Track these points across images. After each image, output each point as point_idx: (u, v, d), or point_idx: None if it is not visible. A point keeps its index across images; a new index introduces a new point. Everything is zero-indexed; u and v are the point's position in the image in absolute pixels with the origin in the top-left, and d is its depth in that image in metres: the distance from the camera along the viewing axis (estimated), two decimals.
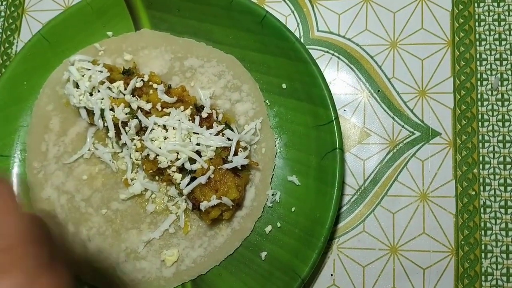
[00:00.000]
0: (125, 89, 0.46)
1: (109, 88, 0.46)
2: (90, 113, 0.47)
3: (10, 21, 0.56)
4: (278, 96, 0.48)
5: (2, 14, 0.56)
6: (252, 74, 0.49)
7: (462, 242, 0.45)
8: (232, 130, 0.46)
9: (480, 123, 0.47)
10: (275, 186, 0.47)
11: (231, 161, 0.44)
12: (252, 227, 0.46)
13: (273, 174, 0.47)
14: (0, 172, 0.49)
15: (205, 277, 0.46)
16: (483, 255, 0.44)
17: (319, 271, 0.46)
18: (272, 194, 0.46)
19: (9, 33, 0.55)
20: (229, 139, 0.45)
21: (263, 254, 0.45)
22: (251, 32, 0.48)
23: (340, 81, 0.49)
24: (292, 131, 0.47)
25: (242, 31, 0.48)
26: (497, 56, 0.47)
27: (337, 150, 0.44)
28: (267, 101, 0.48)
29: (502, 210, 0.45)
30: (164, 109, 0.46)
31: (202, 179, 0.43)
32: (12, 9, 0.56)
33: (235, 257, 0.46)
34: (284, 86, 0.47)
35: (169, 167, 0.44)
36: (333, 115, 0.44)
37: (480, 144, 0.46)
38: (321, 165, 0.45)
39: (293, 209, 0.46)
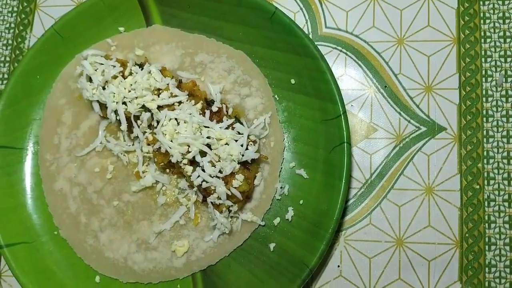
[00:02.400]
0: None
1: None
2: (103, 106, 0.48)
3: (23, 16, 0.57)
4: (287, 91, 0.49)
5: (15, 9, 0.57)
6: (261, 69, 0.50)
7: (467, 235, 0.46)
8: (242, 124, 0.47)
9: (484, 119, 0.48)
10: (283, 179, 0.48)
11: (242, 155, 0.45)
12: (261, 219, 0.47)
13: (281, 168, 0.48)
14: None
15: (214, 268, 0.47)
16: (487, 247, 0.45)
17: (326, 263, 0.47)
18: (281, 187, 0.47)
19: (21, 28, 0.56)
20: (239, 133, 0.45)
21: (272, 245, 0.46)
22: (260, 28, 0.49)
23: (348, 77, 0.50)
24: (300, 126, 0.48)
25: (252, 27, 0.49)
26: (502, 53, 0.48)
27: (345, 144, 0.45)
28: (276, 96, 0.49)
29: (506, 204, 0.46)
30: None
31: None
32: (25, 4, 0.57)
33: (244, 248, 0.47)
34: (292, 81, 0.48)
35: (180, 160, 0.45)
36: (341, 109, 0.45)
37: (485, 139, 0.47)
38: (329, 159, 0.46)
39: (301, 201, 0.46)
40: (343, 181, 0.44)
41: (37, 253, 0.48)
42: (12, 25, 0.57)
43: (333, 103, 0.46)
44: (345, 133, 0.45)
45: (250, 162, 0.46)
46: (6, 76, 0.56)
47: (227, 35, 0.51)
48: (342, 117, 0.45)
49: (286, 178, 0.48)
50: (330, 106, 0.46)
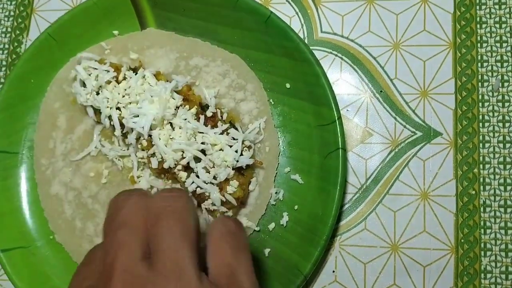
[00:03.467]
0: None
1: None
2: (97, 111, 0.48)
3: (19, 20, 0.57)
4: (282, 96, 0.49)
5: (12, 13, 0.57)
6: (257, 73, 0.50)
7: (462, 241, 0.46)
8: (236, 129, 0.47)
9: (480, 124, 0.47)
10: (278, 184, 0.48)
11: (237, 161, 0.44)
12: (255, 225, 0.47)
13: (276, 173, 0.48)
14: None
15: None
16: (482, 253, 0.45)
17: (321, 268, 0.47)
18: (276, 192, 0.47)
19: (18, 32, 0.56)
20: (233, 138, 0.45)
21: (267, 251, 0.46)
22: (255, 32, 0.49)
23: (343, 82, 0.50)
24: (295, 130, 0.48)
25: (247, 31, 0.49)
26: (498, 58, 0.48)
27: (340, 149, 0.44)
28: (271, 100, 0.49)
29: (502, 210, 0.46)
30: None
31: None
32: (21, 8, 0.57)
33: None
34: (288, 85, 0.48)
35: (174, 165, 0.45)
36: (336, 115, 0.45)
37: (481, 144, 0.47)
38: (324, 164, 0.46)
39: (296, 207, 0.46)
40: (338, 187, 0.44)
41: (33, 257, 0.48)
42: (9, 29, 0.57)
43: (328, 108, 0.45)
44: (340, 138, 0.45)
45: (244, 167, 0.46)
46: (2, 80, 0.56)
47: (222, 39, 0.50)
48: (337, 123, 0.45)
49: (281, 183, 0.48)
50: (325, 111, 0.46)
